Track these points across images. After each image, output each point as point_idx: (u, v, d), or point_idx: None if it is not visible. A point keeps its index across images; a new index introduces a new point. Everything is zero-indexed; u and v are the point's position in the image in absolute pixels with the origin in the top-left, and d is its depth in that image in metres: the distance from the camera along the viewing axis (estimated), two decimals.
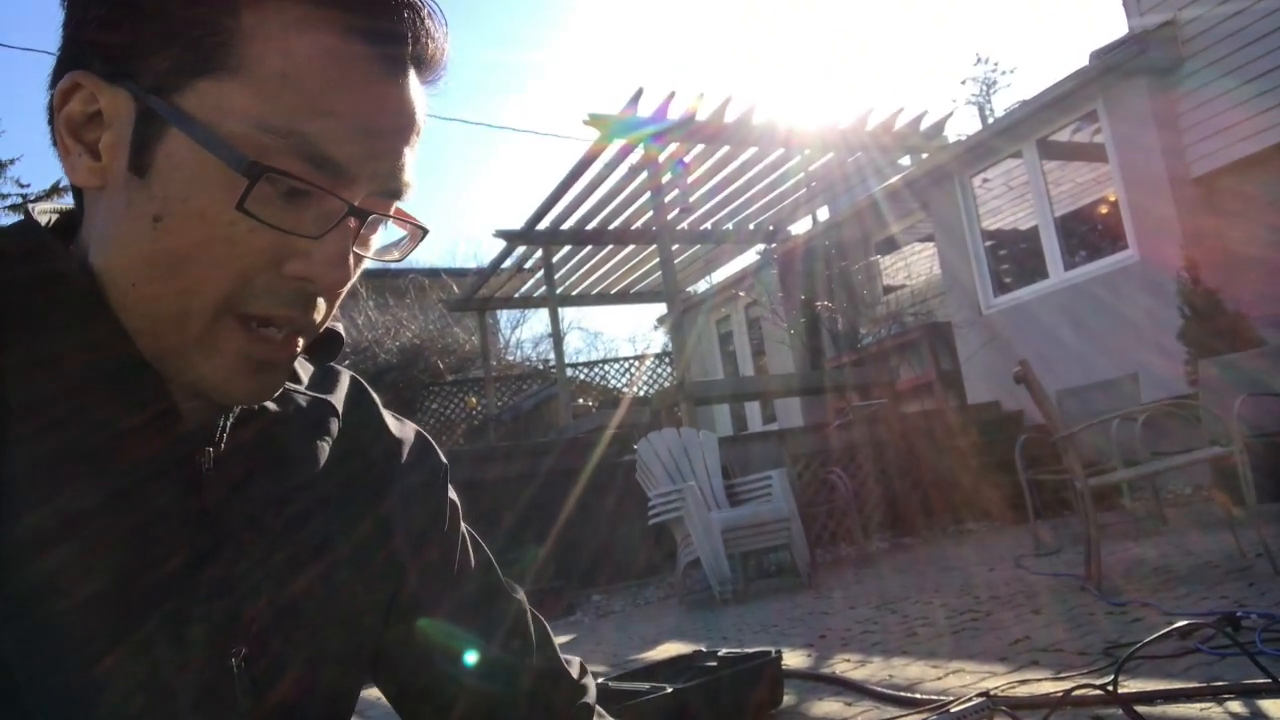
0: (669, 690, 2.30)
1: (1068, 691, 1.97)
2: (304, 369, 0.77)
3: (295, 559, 0.71)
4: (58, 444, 0.59)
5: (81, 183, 0.62)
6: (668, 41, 40.41)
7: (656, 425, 7.37)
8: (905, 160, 9.49)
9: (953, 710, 1.97)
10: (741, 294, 13.37)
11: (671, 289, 8.59)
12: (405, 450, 0.85)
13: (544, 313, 13.30)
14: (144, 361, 0.62)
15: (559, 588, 5.88)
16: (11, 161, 8.40)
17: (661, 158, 8.16)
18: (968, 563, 5.07)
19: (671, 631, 4.42)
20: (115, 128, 0.60)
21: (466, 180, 41.14)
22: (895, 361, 9.96)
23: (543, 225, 9.49)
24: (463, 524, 0.90)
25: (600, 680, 2.26)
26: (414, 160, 0.65)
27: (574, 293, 12.01)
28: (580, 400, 12.96)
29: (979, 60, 25.35)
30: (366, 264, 0.68)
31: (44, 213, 0.68)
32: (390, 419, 0.86)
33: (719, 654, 2.64)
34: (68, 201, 0.71)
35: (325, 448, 0.76)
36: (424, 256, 17.44)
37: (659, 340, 18.19)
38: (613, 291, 12.34)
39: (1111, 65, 7.26)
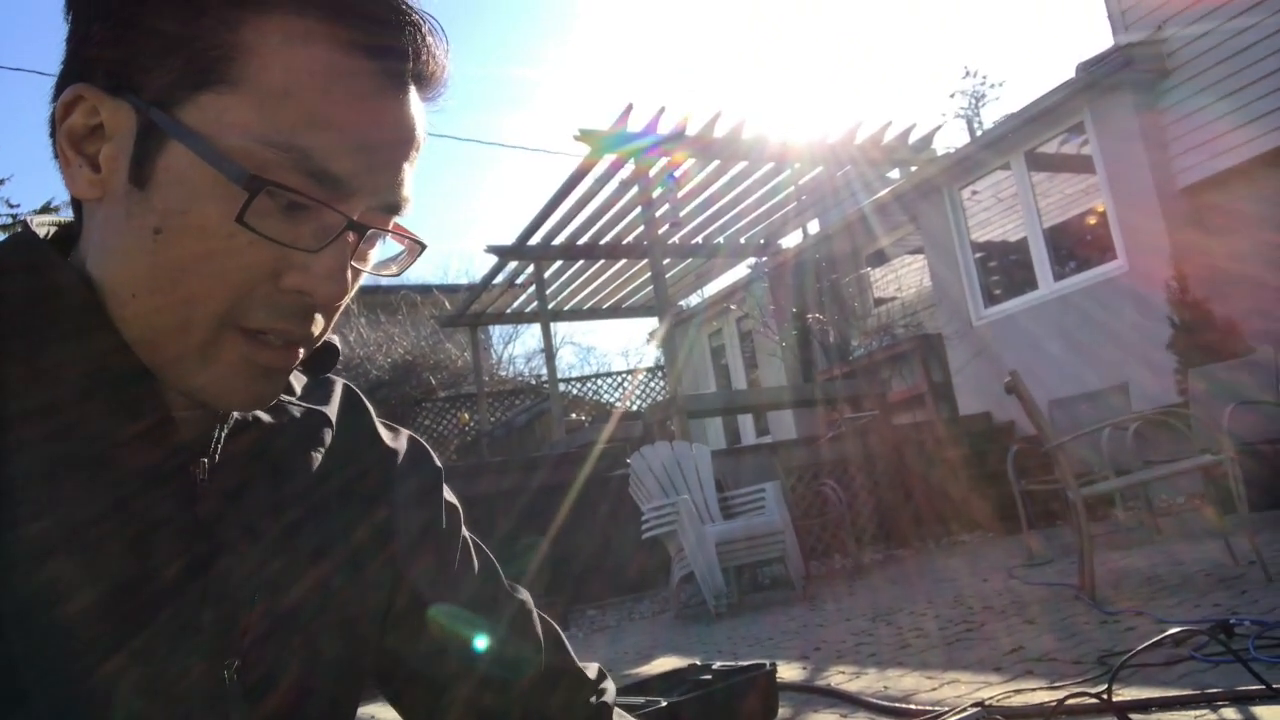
0: (664, 704, 2.29)
1: (1062, 700, 1.98)
2: (298, 380, 0.78)
3: (291, 567, 0.71)
4: (56, 453, 0.59)
5: (81, 194, 0.63)
6: (659, 57, 40.67)
7: (649, 439, 7.38)
8: (894, 173, 9.54)
9: None
10: (733, 307, 13.40)
11: (663, 303, 8.62)
12: (400, 457, 0.85)
13: (536, 328, 13.35)
14: (142, 372, 0.62)
15: (552, 602, 5.86)
16: (2, 182, 8.36)
17: (652, 172, 8.19)
18: (960, 573, 5.07)
19: (666, 645, 4.42)
20: (116, 140, 0.60)
21: (459, 196, 41.24)
22: (886, 373, 9.99)
23: (534, 240, 9.52)
24: (464, 528, 0.90)
25: None
26: (413, 176, 0.66)
27: (566, 308, 12.04)
28: (573, 415, 12.93)
29: (967, 74, 25.43)
30: (364, 278, 0.69)
31: (42, 225, 0.69)
32: (383, 427, 0.86)
33: (713, 667, 2.63)
34: (64, 216, 0.72)
35: (319, 458, 0.76)
36: (416, 272, 17.49)
37: (651, 354, 18.25)
38: (604, 306, 12.37)
39: (1097, 78, 7.33)
